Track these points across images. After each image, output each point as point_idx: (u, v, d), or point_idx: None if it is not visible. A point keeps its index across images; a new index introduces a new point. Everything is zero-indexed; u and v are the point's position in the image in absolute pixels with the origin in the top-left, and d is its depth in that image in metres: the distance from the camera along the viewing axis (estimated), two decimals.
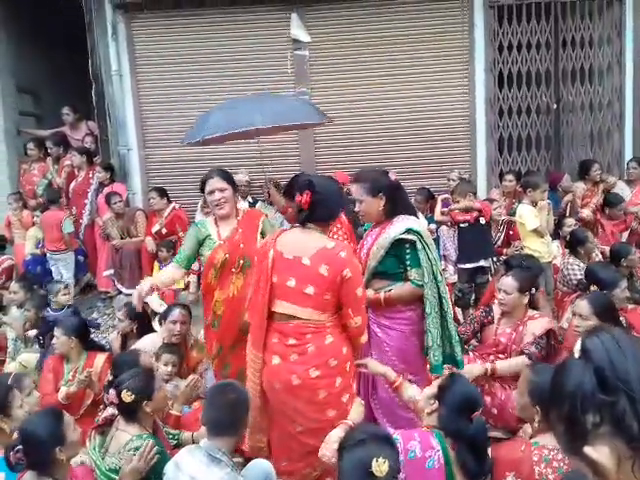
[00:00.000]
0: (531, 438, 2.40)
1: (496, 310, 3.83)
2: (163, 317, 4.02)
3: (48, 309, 4.85)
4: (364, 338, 2.70)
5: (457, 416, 2.17)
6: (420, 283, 2.94)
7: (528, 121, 6.55)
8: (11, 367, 4.58)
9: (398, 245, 2.96)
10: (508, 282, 3.62)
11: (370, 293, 3.02)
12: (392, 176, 3.11)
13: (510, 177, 5.97)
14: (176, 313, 3.93)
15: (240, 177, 5.83)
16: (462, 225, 5.05)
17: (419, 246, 2.93)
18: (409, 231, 2.94)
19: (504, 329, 3.71)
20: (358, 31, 6.39)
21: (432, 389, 2.35)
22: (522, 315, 3.65)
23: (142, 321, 4.32)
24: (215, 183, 3.35)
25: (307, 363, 2.51)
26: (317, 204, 2.52)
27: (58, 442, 2.23)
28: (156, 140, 6.59)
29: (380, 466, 1.73)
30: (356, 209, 3.12)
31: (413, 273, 2.96)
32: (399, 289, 3.00)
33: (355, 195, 3.06)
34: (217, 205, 3.35)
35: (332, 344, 2.55)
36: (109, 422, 2.69)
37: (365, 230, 3.35)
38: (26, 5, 6.90)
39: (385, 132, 6.51)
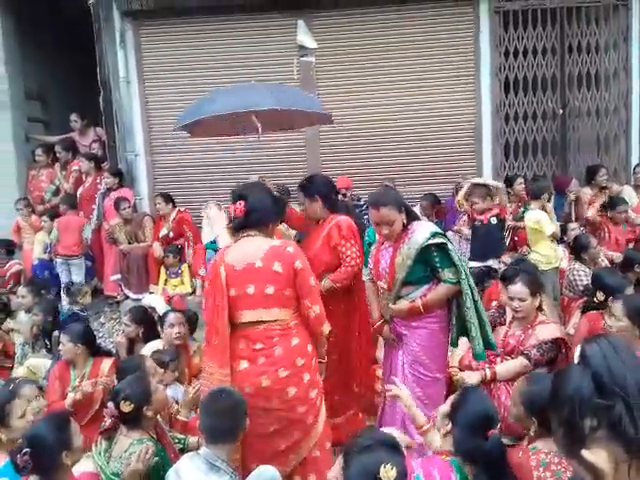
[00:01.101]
0: (528, 444, 2.39)
1: (509, 312, 3.82)
2: (161, 324, 4.05)
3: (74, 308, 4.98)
4: (326, 327, 2.72)
5: (471, 436, 2.11)
6: (455, 280, 3.05)
7: (534, 126, 6.55)
8: (19, 372, 4.61)
9: (425, 252, 3.03)
10: (519, 289, 3.59)
11: (404, 303, 3.12)
12: (391, 184, 3.25)
13: (520, 180, 5.94)
14: (171, 316, 3.98)
15: None
16: (476, 223, 5.06)
17: (450, 246, 3.05)
18: (435, 235, 3.04)
19: (514, 331, 3.70)
20: (364, 37, 6.42)
21: (447, 407, 2.30)
22: (534, 318, 3.64)
23: (148, 326, 4.34)
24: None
25: (275, 364, 2.59)
26: (252, 210, 2.64)
27: (65, 447, 2.25)
28: (163, 146, 6.63)
29: (388, 472, 1.70)
30: (384, 232, 3.12)
31: (446, 273, 3.05)
32: (435, 292, 3.09)
33: (384, 219, 3.06)
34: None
35: (298, 345, 2.64)
36: (115, 427, 2.69)
37: (370, 243, 3.39)
38: (36, 13, 6.97)
39: (391, 137, 6.52)
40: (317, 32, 6.40)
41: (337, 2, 6.26)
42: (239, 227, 2.69)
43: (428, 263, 3.07)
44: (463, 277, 3.05)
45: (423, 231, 3.06)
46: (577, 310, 4.28)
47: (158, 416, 2.85)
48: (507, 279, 3.80)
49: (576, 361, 1.06)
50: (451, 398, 2.34)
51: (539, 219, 4.97)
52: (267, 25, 6.44)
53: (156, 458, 2.51)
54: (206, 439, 2.42)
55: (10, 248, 6.62)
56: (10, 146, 6.91)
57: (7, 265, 6.48)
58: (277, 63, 6.46)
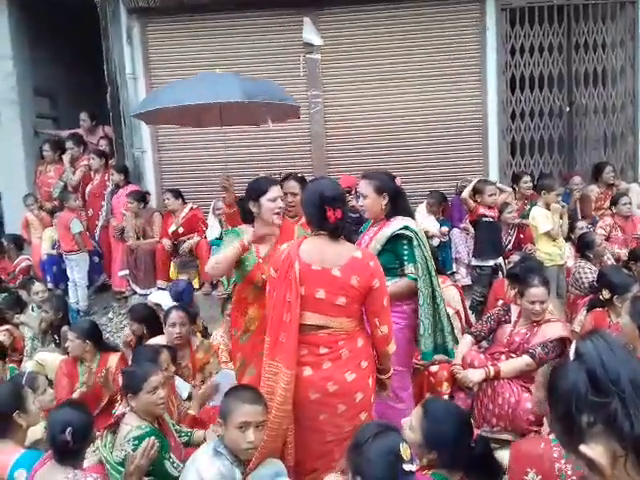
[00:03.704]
0: (549, 434, 2.40)
1: (514, 311, 3.84)
2: (164, 321, 4.05)
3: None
4: (392, 347, 2.64)
5: (458, 451, 2.10)
6: (415, 277, 3.13)
7: (541, 124, 6.54)
8: (28, 366, 4.68)
9: (395, 241, 3.15)
10: (542, 292, 3.62)
11: None
12: (398, 181, 3.34)
13: (527, 178, 5.96)
14: (174, 315, 3.93)
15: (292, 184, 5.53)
16: (484, 220, 5.06)
17: (415, 243, 3.13)
18: (406, 228, 3.15)
19: (520, 329, 3.72)
20: (370, 34, 6.42)
21: (412, 419, 2.21)
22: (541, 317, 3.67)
23: (150, 322, 4.38)
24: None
25: (342, 368, 2.50)
26: (345, 217, 2.54)
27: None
28: (169, 143, 6.67)
29: (406, 450, 1.77)
30: (359, 203, 3.34)
31: (410, 268, 3.14)
32: (396, 285, 3.14)
33: (361, 190, 3.26)
34: (277, 213, 3.05)
35: (363, 346, 2.58)
36: (118, 422, 2.75)
37: (362, 231, 3.47)
38: (43, 9, 7.01)
39: (397, 135, 6.53)
40: (323, 29, 6.44)
41: None
42: (335, 234, 2.52)
43: (397, 255, 3.16)
44: (420, 275, 3.12)
45: (397, 223, 3.18)
46: (583, 308, 4.30)
47: (164, 410, 2.90)
48: (520, 280, 3.82)
49: (571, 357, 1.09)
50: (415, 413, 2.21)
51: (534, 216, 4.98)
52: (273, 22, 6.44)
53: (157, 446, 2.58)
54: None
55: (19, 243, 6.67)
56: (19, 142, 6.97)
57: (16, 260, 6.54)
58: (283, 60, 6.48)
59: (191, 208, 6.21)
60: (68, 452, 2.36)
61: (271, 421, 2.47)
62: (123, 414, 2.81)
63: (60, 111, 8.09)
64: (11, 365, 4.02)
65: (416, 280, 3.12)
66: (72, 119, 7.51)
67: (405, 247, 3.14)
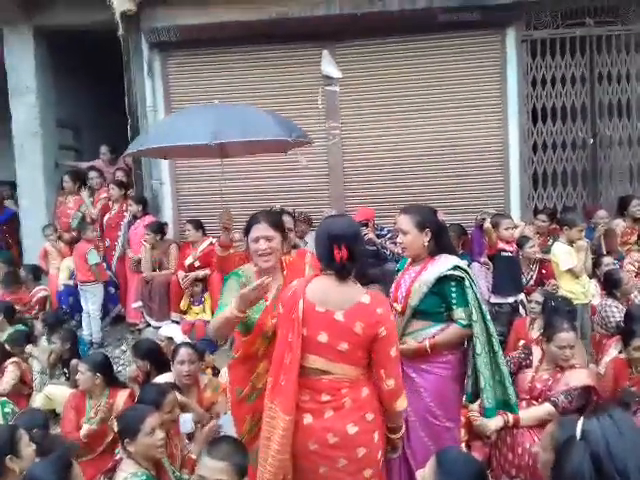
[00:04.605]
0: None
1: (536, 354, 3.68)
2: (172, 358, 3.96)
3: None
4: (401, 404, 2.41)
5: None
6: (466, 323, 2.88)
7: (564, 156, 6.40)
8: (37, 399, 4.64)
9: (442, 282, 2.91)
10: (572, 337, 3.48)
11: (412, 343, 2.94)
12: (440, 216, 3.13)
13: (543, 217, 5.85)
14: (183, 353, 3.82)
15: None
16: (503, 254, 4.90)
17: (467, 283, 2.89)
18: (456, 268, 2.91)
19: (541, 375, 3.56)
20: (389, 66, 6.40)
21: (427, 471, 2.04)
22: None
23: (154, 358, 4.30)
24: (262, 230, 2.82)
25: (344, 418, 2.33)
26: (356, 257, 2.37)
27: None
28: (188, 174, 6.69)
29: None
30: (398, 240, 3.11)
31: (459, 313, 2.90)
32: (445, 334, 2.93)
33: (401, 226, 3.04)
34: (261, 256, 2.81)
35: (368, 397, 2.38)
36: (115, 468, 2.67)
37: (399, 270, 3.27)
38: (68, 42, 7.16)
39: (416, 167, 6.45)
40: (341, 62, 6.45)
41: (362, 31, 6.26)
42: (342, 274, 2.38)
43: (444, 298, 2.93)
44: (475, 319, 2.87)
45: (446, 262, 2.95)
46: (611, 348, 4.11)
47: (163, 454, 2.80)
48: (547, 323, 3.66)
49: (577, 436, 0.99)
50: (429, 463, 2.02)
51: (555, 253, 4.81)
52: (292, 55, 6.48)
53: None
54: None
55: (37, 274, 6.70)
56: (40, 172, 7.04)
57: (33, 291, 6.57)
58: (302, 92, 6.49)
59: (211, 242, 6.12)
60: None
61: (267, 470, 2.33)
62: (120, 459, 2.72)
63: (83, 143, 8.20)
64: (3, 399, 3.96)
65: (466, 326, 2.88)
66: (95, 151, 7.61)
67: (454, 289, 2.90)
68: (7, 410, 3.82)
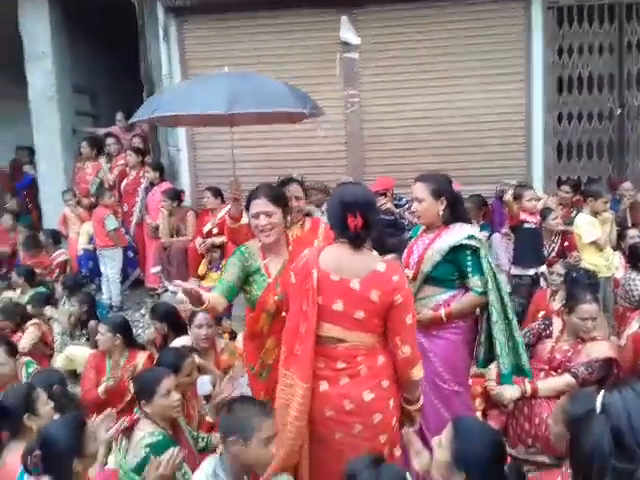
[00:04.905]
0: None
1: (556, 325, 3.64)
2: (189, 322, 4.00)
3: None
4: (417, 373, 2.37)
5: (487, 476, 1.92)
6: (482, 291, 2.89)
7: (589, 127, 6.25)
8: (58, 359, 4.72)
9: (457, 251, 2.91)
10: (594, 309, 3.44)
11: (428, 312, 2.95)
12: (456, 186, 3.13)
13: (566, 188, 5.72)
14: (200, 317, 3.85)
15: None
16: (525, 226, 4.82)
17: (482, 253, 2.90)
18: (471, 237, 2.91)
19: (561, 346, 3.53)
20: (409, 33, 6.24)
21: (442, 438, 2.04)
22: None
23: (171, 321, 4.34)
24: (261, 206, 2.78)
25: (360, 385, 2.32)
26: (371, 225, 2.32)
27: (77, 453, 2.21)
28: (205, 141, 6.63)
29: None
30: (413, 207, 3.09)
31: (475, 280, 2.91)
32: (460, 302, 2.94)
33: (417, 194, 3.02)
34: (262, 232, 2.79)
35: (384, 364, 2.37)
36: (134, 426, 2.70)
37: (411, 238, 3.25)
38: (83, 8, 7.08)
39: (437, 136, 6.33)
40: (361, 28, 6.30)
41: None
42: (356, 242, 2.32)
43: (458, 266, 2.93)
44: (490, 287, 2.88)
45: (461, 231, 2.94)
46: (634, 321, 4.05)
47: (179, 414, 2.82)
48: (569, 295, 3.61)
49: (597, 409, 0.96)
50: (446, 430, 2.04)
51: (578, 224, 4.71)
52: (310, 21, 6.34)
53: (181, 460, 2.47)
54: (221, 439, 2.35)
55: (57, 238, 6.76)
56: (57, 139, 7.04)
57: (53, 254, 6.63)
58: (320, 59, 6.37)
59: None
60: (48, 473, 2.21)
61: (286, 436, 2.33)
62: (138, 419, 2.74)
63: (99, 108, 8.19)
64: (27, 359, 4.01)
65: (482, 294, 2.89)
66: (112, 117, 7.58)
67: (469, 258, 2.90)
68: (30, 370, 3.87)
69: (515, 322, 2.97)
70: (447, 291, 2.95)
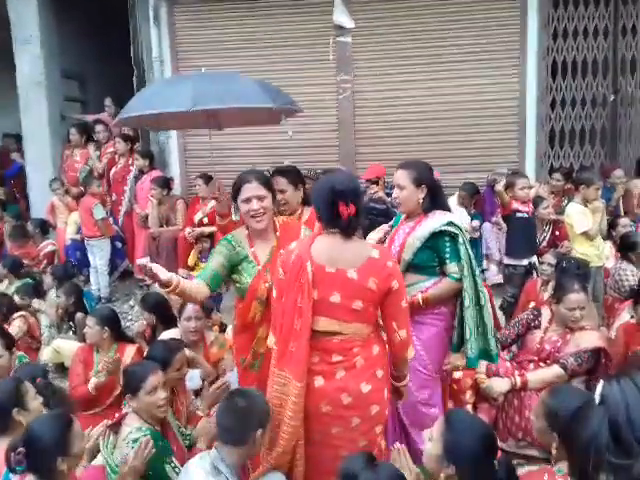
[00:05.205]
0: (555, 464, 2.21)
1: (545, 315, 3.63)
2: (179, 313, 3.96)
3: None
4: (411, 352, 2.45)
5: (479, 470, 1.93)
6: (458, 277, 2.93)
7: (582, 113, 6.19)
8: (45, 352, 4.68)
9: (436, 237, 2.93)
10: (582, 298, 3.42)
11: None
12: (436, 174, 3.13)
13: (558, 176, 5.69)
14: (189, 309, 3.83)
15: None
16: (518, 215, 4.78)
17: (460, 240, 2.92)
18: (450, 224, 2.93)
19: (550, 336, 3.52)
20: (403, 16, 6.15)
21: (434, 431, 2.05)
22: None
23: (162, 312, 4.30)
24: (253, 190, 2.72)
25: (357, 378, 2.31)
26: (359, 213, 2.30)
27: (61, 452, 2.16)
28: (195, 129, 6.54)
29: None
30: (394, 194, 3.10)
31: (452, 267, 2.93)
32: (437, 288, 2.96)
33: (398, 181, 3.03)
34: (254, 217, 2.73)
35: (379, 354, 2.39)
36: (121, 421, 2.67)
37: (392, 227, 3.25)
38: None
39: (429, 123, 6.27)
40: (355, 11, 6.20)
41: None
42: (347, 231, 2.30)
43: (438, 253, 2.95)
44: (466, 274, 2.91)
45: (441, 218, 2.95)
46: (623, 312, 4.04)
47: (164, 414, 2.79)
48: (557, 284, 3.59)
49: (596, 400, 0.94)
50: (437, 424, 2.05)
51: (570, 214, 4.68)
52: (303, 3, 6.24)
53: (154, 450, 2.46)
54: (217, 437, 2.36)
55: (44, 228, 6.68)
56: (45, 125, 6.94)
57: (41, 245, 6.56)
58: (312, 43, 6.30)
59: None
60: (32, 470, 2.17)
61: (280, 436, 2.31)
62: (126, 414, 2.72)
63: (88, 94, 8.06)
64: (20, 353, 3.97)
65: (458, 280, 2.93)
66: (101, 102, 7.46)
67: (448, 244, 2.93)
68: None
69: (488, 308, 3.02)
70: (429, 278, 2.97)
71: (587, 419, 0.96)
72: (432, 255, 2.96)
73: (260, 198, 2.72)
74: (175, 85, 4.35)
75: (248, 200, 2.72)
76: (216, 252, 2.81)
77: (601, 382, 1.00)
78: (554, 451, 2.10)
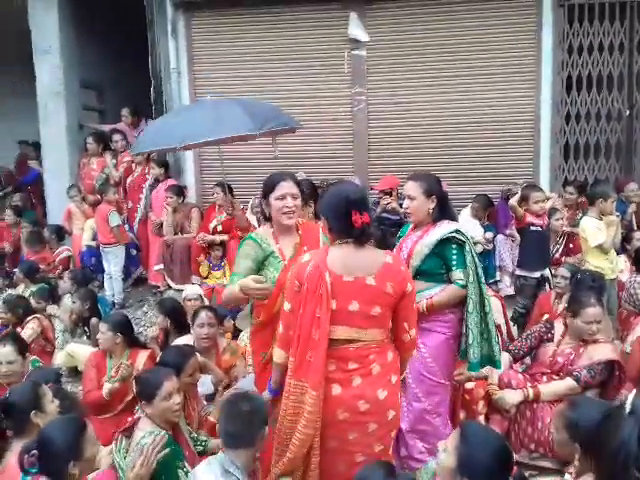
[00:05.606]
0: (576, 478, 2.18)
1: (557, 328, 3.61)
2: (192, 320, 3.98)
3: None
4: (415, 352, 2.62)
5: None
6: (463, 283, 2.97)
7: (597, 127, 6.17)
8: (59, 356, 4.71)
9: (444, 244, 2.99)
10: (599, 312, 3.42)
11: None
12: (444, 186, 3.22)
13: (571, 189, 5.67)
14: (202, 316, 3.86)
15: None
16: (532, 228, 4.78)
17: (467, 248, 2.98)
18: (457, 232, 3.00)
19: (564, 349, 3.50)
20: (419, 30, 6.19)
21: (448, 443, 2.02)
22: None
23: (175, 317, 4.34)
24: (289, 187, 2.84)
25: (373, 384, 2.35)
26: (371, 222, 2.40)
27: (74, 456, 2.17)
28: None
29: None
30: (404, 205, 3.19)
31: (458, 274, 2.98)
32: (442, 294, 3.00)
33: (409, 192, 3.12)
34: (286, 213, 2.82)
35: (393, 359, 2.44)
36: (134, 426, 2.68)
37: (400, 237, 3.31)
38: (93, 1, 7.08)
39: (444, 135, 6.28)
40: (370, 24, 6.26)
41: None
42: (360, 240, 2.36)
43: (444, 259, 3.00)
44: (471, 281, 2.95)
45: (449, 226, 3.03)
46: (638, 326, 4.00)
47: (178, 418, 2.80)
48: (573, 298, 3.58)
49: (627, 410, 0.94)
50: (452, 436, 2.03)
51: (584, 228, 4.65)
52: (319, 17, 6.31)
53: (166, 449, 2.48)
54: (223, 443, 2.39)
55: (60, 234, 6.76)
56: (63, 134, 7.04)
57: (57, 251, 6.64)
58: (327, 56, 6.35)
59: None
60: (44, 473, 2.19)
61: (292, 443, 2.32)
62: (139, 418, 2.73)
63: (106, 104, 8.17)
64: (33, 357, 4.00)
65: (464, 287, 2.97)
66: (118, 112, 7.54)
67: (454, 251, 2.99)
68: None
69: (491, 315, 3.04)
70: (437, 285, 3.01)
71: (616, 428, 0.96)
72: (439, 262, 3.01)
73: (294, 196, 2.85)
74: (169, 121, 4.98)
75: (283, 197, 2.82)
76: (242, 256, 2.85)
77: (633, 392, 0.97)
78: (576, 462, 2.08)
